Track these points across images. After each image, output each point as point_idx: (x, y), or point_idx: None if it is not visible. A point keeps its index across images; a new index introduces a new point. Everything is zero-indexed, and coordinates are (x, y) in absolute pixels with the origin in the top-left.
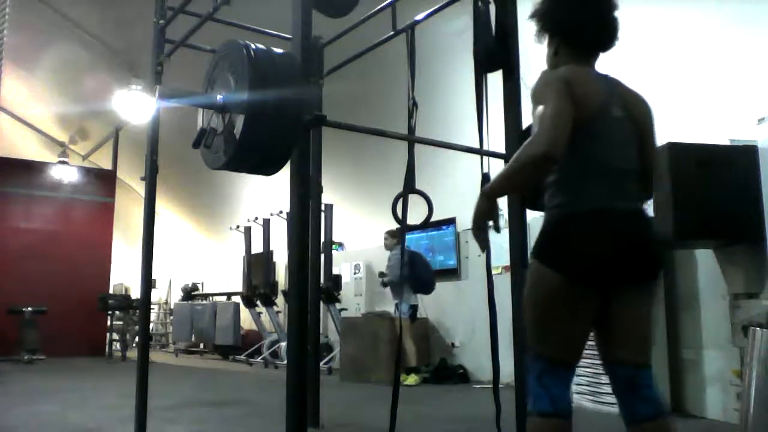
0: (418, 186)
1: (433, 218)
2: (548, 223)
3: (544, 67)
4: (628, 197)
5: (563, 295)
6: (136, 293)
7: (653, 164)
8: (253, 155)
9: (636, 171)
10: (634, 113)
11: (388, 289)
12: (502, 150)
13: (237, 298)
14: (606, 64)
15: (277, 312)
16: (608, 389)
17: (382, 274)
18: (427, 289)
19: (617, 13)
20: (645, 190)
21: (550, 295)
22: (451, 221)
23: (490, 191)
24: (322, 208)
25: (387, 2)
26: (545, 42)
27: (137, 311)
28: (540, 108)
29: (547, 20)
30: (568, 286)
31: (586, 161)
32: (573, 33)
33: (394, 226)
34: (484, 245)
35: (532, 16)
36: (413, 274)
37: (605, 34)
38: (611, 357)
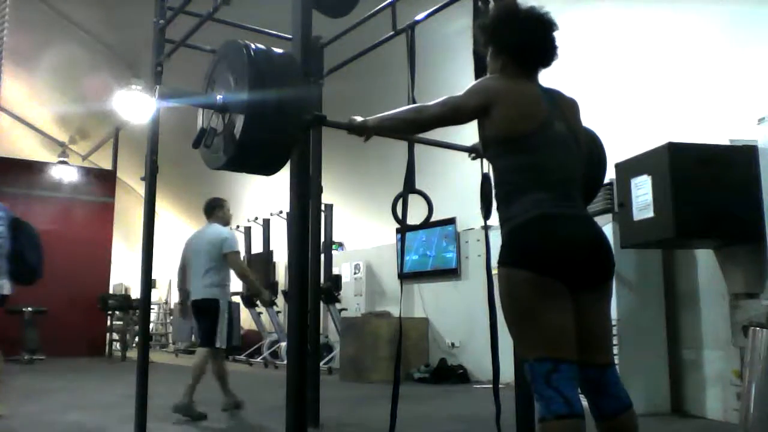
0: (418, 186)
1: (433, 218)
2: (506, 235)
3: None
4: (572, 204)
5: (538, 285)
6: (136, 293)
7: (595, 172)
8: (253, 155)
9: (578, 179)
10: (573, 125)
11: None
12: None
13: (237, 298)
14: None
15: (277, 312)
16: None
17: None
18: (33, 276)
19: (556, 34)
20: (587, 196)
21: (525, 287)
22: (451, 221)
23: (372, 126)
24: (322, 208)
25: (387, 2)
26: (489, 52)
27: (137, 311)
28: (459, 96)
29: (496, 41)
30: (539, 277)
31: (530, 173)
32: (520, 54)
33: (394, 226)
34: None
35: (480, 28)
36: (17, 252)
37: (547, 55)
38: (577, 359)
